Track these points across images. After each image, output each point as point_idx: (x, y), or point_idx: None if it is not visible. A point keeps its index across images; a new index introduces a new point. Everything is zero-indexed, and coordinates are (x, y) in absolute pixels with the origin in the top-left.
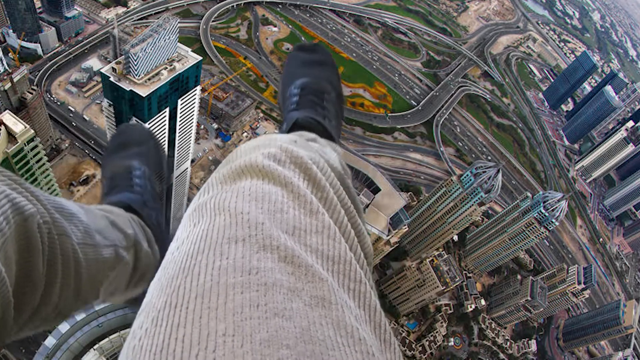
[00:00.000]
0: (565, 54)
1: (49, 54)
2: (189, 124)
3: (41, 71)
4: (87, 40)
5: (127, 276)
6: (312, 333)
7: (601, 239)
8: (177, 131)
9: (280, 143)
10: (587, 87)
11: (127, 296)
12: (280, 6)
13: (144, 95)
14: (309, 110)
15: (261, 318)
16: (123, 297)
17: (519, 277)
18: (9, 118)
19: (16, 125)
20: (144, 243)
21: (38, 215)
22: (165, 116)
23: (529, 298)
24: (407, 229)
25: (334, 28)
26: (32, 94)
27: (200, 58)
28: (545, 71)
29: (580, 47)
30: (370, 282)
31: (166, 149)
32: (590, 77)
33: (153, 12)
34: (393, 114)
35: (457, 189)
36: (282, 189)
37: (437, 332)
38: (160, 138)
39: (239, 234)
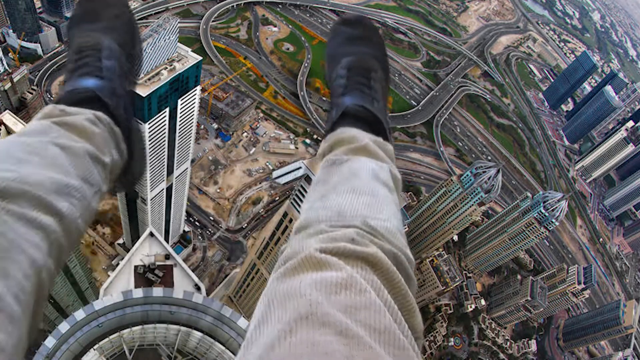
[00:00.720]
0: (565, 54)
1: (49, 54)
2: (189, 124)
3: (41, 71)
4: None
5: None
6: None
7: (601, 239)
8: (177, 131)
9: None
10: (587, 87)
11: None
12: (280, 6)
13: (143, 95)
14: (358, 94)
15: None
16: None
17: (519, 277)
18: (9, 118)
19: (16, 125)
20: (113, 152)
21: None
22: (165, 116)
23: (529, 298)
24: (407, 229)
25: None
26: (32, 94)
27: (200, 58)
28: (545, 71)
29: (580, 47)
30: (415, 349)
31: (166, 149)
32: (590, 77)
33: (153, 12)
34: (393, 114)
35: (457, 189)
36: (338, 272)
37: (437, 332)
38: (160, 138)
39: (303, 312)
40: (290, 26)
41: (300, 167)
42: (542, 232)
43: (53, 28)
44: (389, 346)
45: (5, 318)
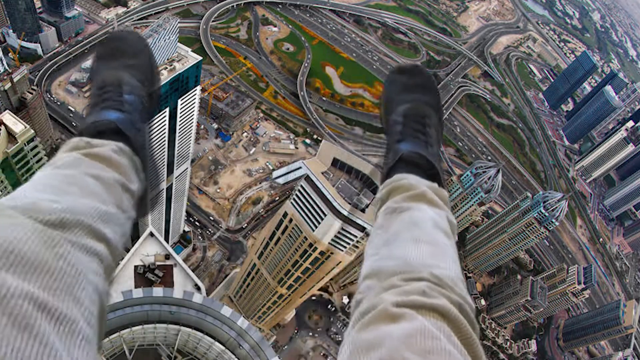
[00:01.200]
0: (565, 54)
1: (49, 54)
2: (189, 124)
3: (41, 71)
4: (87, 40)
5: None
6: None
7: (601, 239)
8: (177, 131)
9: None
10: (587, 87)
11: None
12: (280, 6)
13: None
14: (413, 140)
15: None
16: None
17: (519, 277)
18: (9, 118)
19: (16, 125)
20: (135, 182)
21: None
22: (165, 116)
23: (529, 298)
24: None
25: (334, 28)
26: (32, 94)
27: (200, 58)
28: (545, 71)
29: (580, 47)
30: None
31: (166, 149)
32: (590, 77)
33: (153, 12)
34: None
35: (457, 189)
36: (412, 323)
37: None
38: (160, 138)
39: (385, 358)
40: (290, 26)
41: (300, 167)
42: (542, 232)
43: (53, 28)
44: None
45: (83, 340)
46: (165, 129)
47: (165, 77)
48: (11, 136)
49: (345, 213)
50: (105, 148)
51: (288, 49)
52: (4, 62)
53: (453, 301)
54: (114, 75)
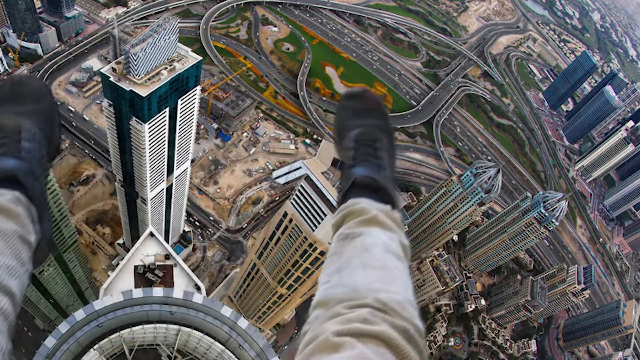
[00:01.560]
0: (565, 54)
1: (49, 54)
2: (189, 124)
3: (41, 71)
4: (87, 40)
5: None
6: None
7: (601, 239)
8: (177, 131)
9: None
10: (587, 87)
11: None
12: (280, 6)
13: (144, 95)
14: (365, 164)
15: None
16: None
17: (519, 277)
18: None
19: None
20: (32, 233)
21: None
22: (165, 116)
23: (529, 298)
24: (407, 229)
25: (334, 28)
26: None
27: (200, 58)
28: (545, 71)
29: (580, 47)
30: None
31: (166, 149)
32: (590, 77)
33: (153, 12)
34: (393, 114)
35: (457, 189)
36: (351, 351)
37: (437, 332)
38: (160, 138)
39: None
40: (290, 26)
41: (300, 167)
42: (542, 232)
43: (53, 28)
44: None
45: None
46: (165, 129)
47: (165, 77)
48: None
49: None
50: (3, 198)
51: (288, 49)
52: (4, 62)
53: (396, 326)
54: (13, 120)
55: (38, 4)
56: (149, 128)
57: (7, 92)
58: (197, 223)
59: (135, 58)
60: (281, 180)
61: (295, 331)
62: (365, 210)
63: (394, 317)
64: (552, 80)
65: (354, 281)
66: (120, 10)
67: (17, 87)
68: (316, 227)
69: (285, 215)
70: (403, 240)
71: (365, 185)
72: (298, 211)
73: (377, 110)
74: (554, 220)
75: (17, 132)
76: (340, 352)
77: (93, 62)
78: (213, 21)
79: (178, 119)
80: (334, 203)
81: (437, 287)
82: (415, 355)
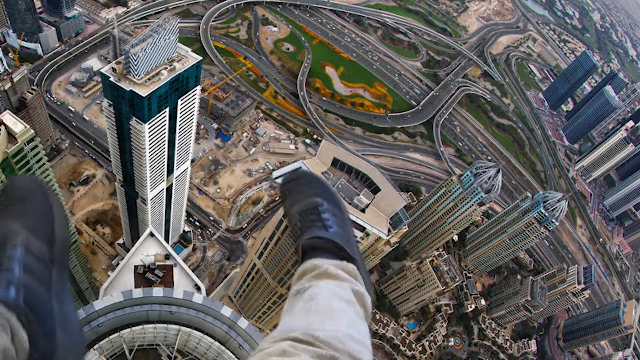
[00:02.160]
0: (565, 54)
1: (49, 54)
2: (189, 124)
3: (41, 71)
4: (87, 40)
5: None
6: None
7: (601, 239)
8: (177, 131)
9: None
10: (587, 87)
11: None
12: (280, 6)
13: (144, 95)
14: (310, 229)
15: None
16: None
17: (519, 277)
18: (9, 118)
19: (16, 125)
20: None
21: None
22: (165, 116)
23: (529, 298)
24: (407, 229)
25: (334, 28)
26: (32, 94)
27: (200, 58)
28: (545, 71)
29: (580, 47)
30: None
31: (166, 149)
32: (590, 77)
33: (153, 12)
34: (393, 114)
35: (457, 189)
36: None
37: (437, 332)
38: (160, 138)
39: None
40: (290, 26)
41: (300, 167)
42: (542, 232)
43: (53, 28)
44: None
45: None
46: (165, 129)
47: (165, 77)
48: (11, 136)
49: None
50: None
51: (288, 49)
52: (4, 62)
53: (320, 355)
54: (4, 229)
55: (38, 4)
56: (149, 128)
57: (3, 200)
58: (197, 223)
59: (135, 58)
60: (281, 181)
61: None
62: (317, 266)
63: (323, 349)
64: (552, 80)
65: (290, 325)
66: (120, 10)
67: (7, 190)
68: None
69: (285, 215)
70: (355, 288)
71: (315, 246)
72: None
73: (309, 181)
74: (554, 220)
75: (3, 245)
76: None
77: (93, 62)
78: (213, 21)
79: (178, 119)
80: None
81: (437, 287)
82: None
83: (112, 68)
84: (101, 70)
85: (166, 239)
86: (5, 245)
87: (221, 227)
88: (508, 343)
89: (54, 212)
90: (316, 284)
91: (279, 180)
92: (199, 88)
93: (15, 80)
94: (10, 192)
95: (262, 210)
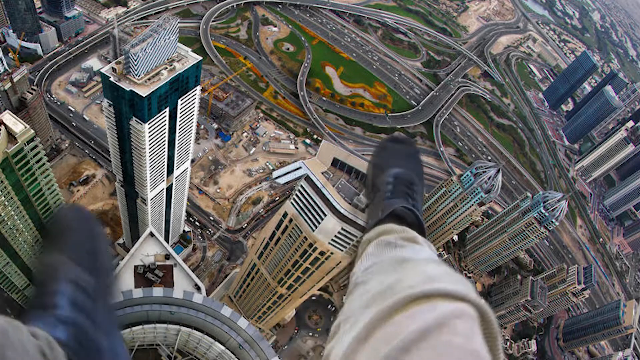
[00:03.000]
0: (565, 54)
1: (49, 54)
2: (189, 124)
3: (41, 71)
4: (87, 40)
5: None
6: None
7: (601, 239)
8: (177, 131)
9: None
10: (587, 87)
11: None
12: (280, 6)
13: (144, 95)
14: (402, 199)
15: None
16: None
17: (519, 277)
18: (9, 118)
19: (16, 125)
20: None
21: None
22: (165, 116)
23: (529, 298)
24: None
25: (334, 28)
26: (32, 94)
27: (200, 58)
28: (545, 71)
29: (580, 47)
30: None
31: (166, 149)
32: (590, 77)
33: (153, 12)
34: (393, 114)
35: (457, 189)
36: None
37: None
38: (160, 138)
39: (392, 356)
40: (290, 26)
41: (300, 167)
42: (542, 232)
43: (53, 28)
44: None
45: None
46: (165, 129)
47: (165, 77)
48: (11, 136)
49: (345, 213)
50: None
51: (288, 49)
52: (4, 62)
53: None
54: (49, 266)
55: (38, 4)
56: (149, 128)
57: (49, 232)
58: (197, 223)
59: (135, 58)
60: (281, 180)
61: (295, 331)
62: (407, 230)
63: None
64: (552, 80)
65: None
66: (120, 10)
67: (54, 220)
68: (316, 227)
69: (285, 215)
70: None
71: (401, 216)
72: (298, 211)
73: (417, 159)
74: (554, 220)
75: (53, 282)
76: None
77: (93, 62)
78: (213, 21)
79: (178, 119)
80: (334, 203)
81: None
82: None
83: (112, 68)
84: (101, 70)
85: (166, 239)
86: (53, 280)
87: (221, 227)
88: (508, 343)
89: (99, 243)
90: (411, 245)
91: (392, 136)
92: (199, 88)
93: (15, 80)
94: (56, 223)
95: (262, 210)
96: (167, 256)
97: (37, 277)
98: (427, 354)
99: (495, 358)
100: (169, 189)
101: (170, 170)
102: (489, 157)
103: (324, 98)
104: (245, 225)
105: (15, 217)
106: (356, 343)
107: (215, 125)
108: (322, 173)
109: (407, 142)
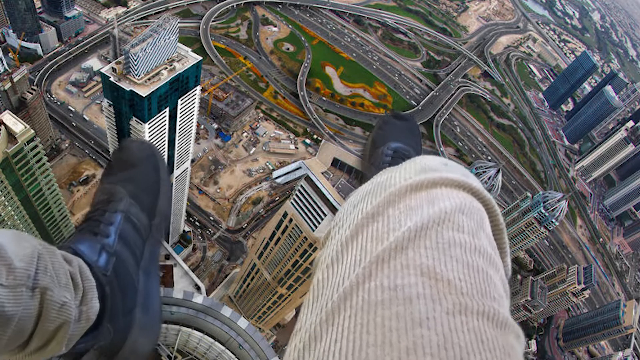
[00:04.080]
0: (565, 54)
1: (49, 54)
2: (189, 124)
3: (41, 71)
4: (87, 40)
5: (15, 328)
6: (453, 340)
7: (601, 239)
8: (177, 131)
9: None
10: (587, 87)
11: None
12: (280, 6)
13: (144, 95)
14: None
15: (405, 328)
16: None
17: (519, 277)
18: (9, 118)
19: (16, 125)
20: (59, 292)
21: None
22: (165, 116)
23: (529, 298)
24: None
25: (334, 28)
26: (32, 94)
27: (200, 58)
28: (545, 71)
29: (580, 47)
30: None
31: (166, 149)
32: (590, 77)
33: (153, 12)
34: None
35: None
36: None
37: None
38: (160, 138)
39: (384, 256)
40: (290, 26)
41: (300, 167)
42: (542, 232)
43: (53, 28)
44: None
45: None
46: (165, 129)
47: (165, 77)
48: (11, 136)
49: None
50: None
51: (288, 49)
52: (4, 62)
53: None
54: (107, 189)
55: (38, 4)
56: (149, 128)
57: (114, 159)
58: (197, 223)
59: (135, 58)
60: (281, 180)
61: None
62: None
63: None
64: (552, 80)
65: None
66: (120, 10)
67: (121, 151)
68: (316, 227)
69: (285, 215)
70: None
71: None
72: (298, 211)
73: (418, 136)
74: (554, 220)
75: (105, 206)
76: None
77: (93, 62)
78: (213, 21)
79: (178, 119)
80: (334, 204)
81: None
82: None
83: (112, 68)
84: (101, 70)
85: (166, 239)
86: (107, 209)
87: (221, 227)
88: None
89: (161, 186)
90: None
91: (394, 112)
92: (199, 88)
93: (15, 80)
94: (123, 155)
95: (262, 210)
96: (167, 256)
97: (98, 198)
98: (427, 253)
99: (502, 253)
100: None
101: (170, 170)
102: (489, 157)
103: (324, 98)
104: (245, 225)
105: (15, 217)
106: (343, 244)
107: (215, 125)
108: (322, 173)
109: (409, 118)
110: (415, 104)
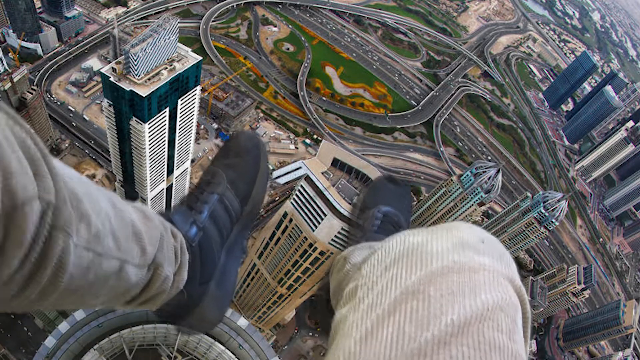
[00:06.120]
0: (565, 54)
1: (49, 54)
2: (189, 124)
3: (41, 71)
4: (87, 40)
5: (129, 293)
6: None
7: (601, 239)
8: (177, 131)
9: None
10: (587, 87)
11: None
12: (280, 6)
13: (144, 95)
14: (387, 237)
15: None
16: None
17: None
18: None
19: None
20: (167, 267)
21: (38, 202)
22: (165, 116)
23: (529, 298)
24: None
25: (334, 28)
26: (32, 94)
27: (200, 58)
28: (545, 71)
29: (580, 47)
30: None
31: (166, 149)
32: (590, 77)
33: (153, 12)
34: (393, 114)
35: (457, 189)
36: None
37: None
38: (160, 138)
39: (427, 349)
40: (290, 26)
41: (300, 167)
42: (542, 232)
43: (53, 28)
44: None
45: None
46: (165, 129)
47: (165, 77)
48: None
49: (346, 213)
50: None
51: (288, 49)
52: (4, 62)
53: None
54: (212, 171)
55: (38, 4)
56: (149, 128)
57: (225, 145)
58: None
59: (135, 58)
60: (281, 180)
61: (295, 331)
62: None
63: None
64: (552, 80)
65: None
66: (120, 10)
67: (232, 140)
68: (316, 227)
69: (285, 215)
70: None
71: None
72: (298, 211)
73: (409, 203)
74: (554, 220)
75: (203, 187)
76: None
77: (93, 62)
78: (213, 21)
79: (178, 119)
80: (334, 204)
81: None
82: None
83: (112, 68)
84: (101, 70)
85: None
86: (206, 189)
87: None
88: None
89: (258, 177)
90: None
91: (388, 175)
92: (199, 88)
93: (15, 80)
94: (232, 143)
95: (262, 210)
96: None
97: (203, 177)
98: (469, 353)
99: (525, 342)
100: (169, 189)
101: (170, 170)
102: (489, 157)
103: (324, 98)
104: None
105: None
106: (379, 317)
107: (215, 125)
108: (322, 173)
109: (401, 184)
110: (415, 104)
